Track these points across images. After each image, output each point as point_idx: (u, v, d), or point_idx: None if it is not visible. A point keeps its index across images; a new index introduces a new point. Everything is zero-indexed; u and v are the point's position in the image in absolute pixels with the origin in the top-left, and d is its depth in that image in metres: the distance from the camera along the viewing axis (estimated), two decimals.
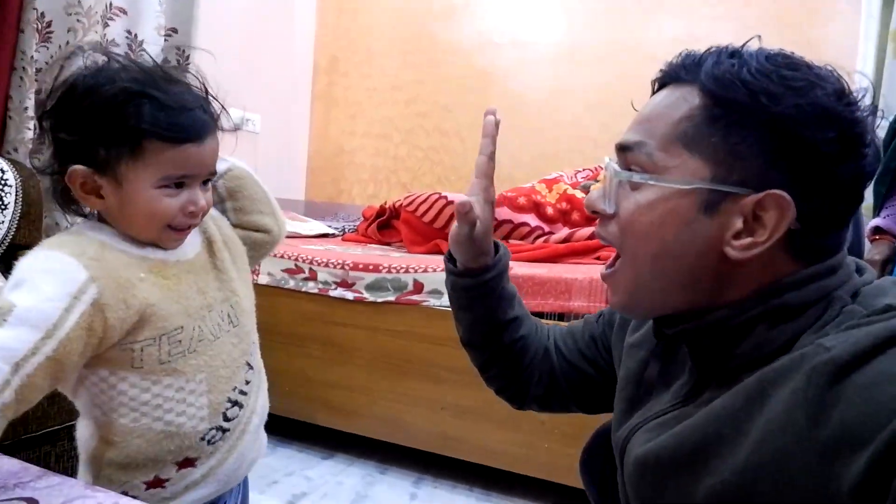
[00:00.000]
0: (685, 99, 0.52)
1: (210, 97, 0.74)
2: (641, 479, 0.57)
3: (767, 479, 0.44)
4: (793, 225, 0.48)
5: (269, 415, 0.86)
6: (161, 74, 0.69)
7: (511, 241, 2.02)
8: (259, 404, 0.82)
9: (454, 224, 0.71)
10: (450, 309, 1.31)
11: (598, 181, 2.21)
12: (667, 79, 0.56)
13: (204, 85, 0.74)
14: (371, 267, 1.74)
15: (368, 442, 1.79)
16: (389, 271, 1.71)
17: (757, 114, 0.48)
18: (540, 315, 1.55)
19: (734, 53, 0.51)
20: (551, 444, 1.53)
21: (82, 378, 0.69)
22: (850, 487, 0.38)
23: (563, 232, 1.98)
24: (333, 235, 2.63)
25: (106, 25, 1.83)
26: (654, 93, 0.57)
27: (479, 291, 0.74)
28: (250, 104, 2.79)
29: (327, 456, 1.84)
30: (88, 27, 1.80)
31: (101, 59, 0.70)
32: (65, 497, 0.59)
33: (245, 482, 0.89)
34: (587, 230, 1.91)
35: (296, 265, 1.84)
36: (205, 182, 0.73)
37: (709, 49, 0.53)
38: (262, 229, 0.90)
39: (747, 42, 0.53)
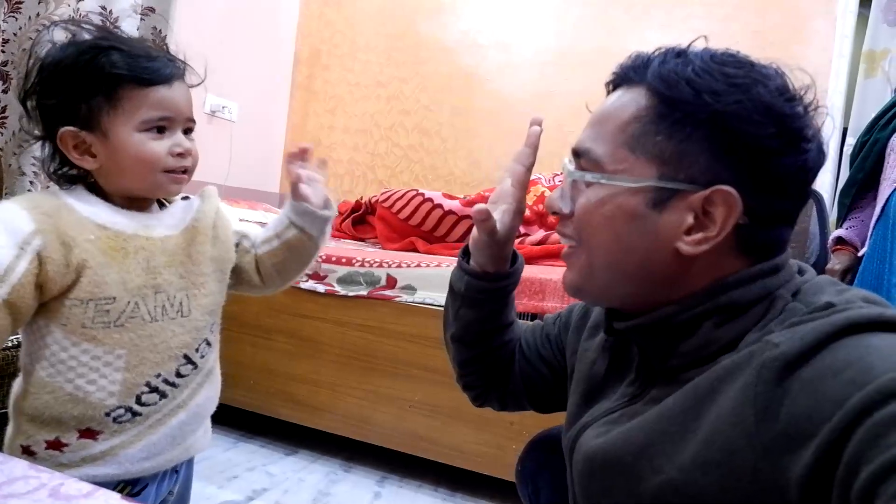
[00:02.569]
0: (634, 100, 0.53)
1: (171, 53, 0.78)
2: (590, 476, 0.57)
3: (714, 476, 0.44)
4: (741, 220, 0.49)
5: (233, 409, 0.85)
6: (123, 35, 0.75)
7: None
8: (194, 402, 0.80)
9: (474, 229, 0.70)
10: (422, 305, 1.28)
11: None
12: (618, 80, 0.57)
13: (164, 44, 0.80)
14: (344, 260, 1.70)
15: (334, 439, 1.75)
16: (363, 265, 1.68)
17: (701, 111, 0.49)
18: None
19: (680, 53, 0.53)
20: (519, 445, 1.49)
21: (28, 324, 0.72)
22: (798, 480, 0.39)
23: (539, 234, 1.98)
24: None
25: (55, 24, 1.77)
26: (608, 95, 0.58)
27: (491, 295, 0.73)
28: (228, 91, 2.73)
29: (290, 452, 1.80)
30: (42, 30, 1.74)
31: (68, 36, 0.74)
32: (6, 477, 0.56)
33: (186, 479, 0.87)
34: None
35: None
36: (186, 132, 0.76)
37: (657, 49, 0.55)
38: (263, 284, 0.90)
39: (693, 42, 0.54)
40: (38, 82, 0.71)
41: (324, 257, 1.73)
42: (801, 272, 0.54)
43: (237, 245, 0.86)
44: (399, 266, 1.65)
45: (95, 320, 0.71)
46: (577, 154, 0.57)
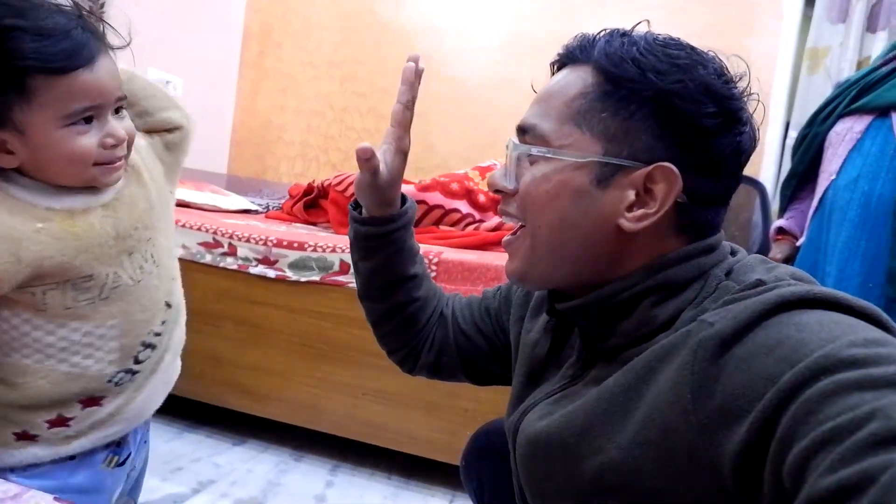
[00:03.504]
0: (580, 77, 0.54)
1: (83, 14, 0.66)
2: (532, 459, 0.57)
3: (652, 454, 0.45)
4: (679, 198, 0.51)
5: (177, 398, 0.87)
6: (20, 3, 0.60)
7: (442, 227, 1.99)
8: (174, 340, 0.82)
9: (358, 172, 0.70)
10: None
11: None
12: (564, 60, 0.58)
13: (74, 3, 0.66)
14: (296, 244, 1.66)
15: (284, 428, 1.71)
16: (315, 250, 1.64)
17: (645, 89, 0.51)
18: None
19: (625, 34, 0.54)
20: (473, 431, 1.51)
21: None
22: (731, 456, 0.40)
23: (494, 220, 1.97)
24: (256, 212, 2.51)
25: None
26: (553, 73, 0.59)
27: (381, 241, 0.73)
28: (172, 66, 2.60)
29: (238, 442, 1.75)
30: None
31: None
32: None
33: (147, 447, 0.89)
34: None
35: (214, 239, 1.73)
36: (117, 111, 0.67)
37: (602, 30, 0.56)
38: (172, 126, 0.86)
39: (636, 25, 0.56)
40: None
41: (275, 241, 1.67)
42: (733, 253, 0.56)
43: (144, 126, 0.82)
44: None
45: (79, 299, 0.68)
46: (523, 130, 0.57)
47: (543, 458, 0.56)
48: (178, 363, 0.87)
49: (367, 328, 1.74)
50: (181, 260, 1.72)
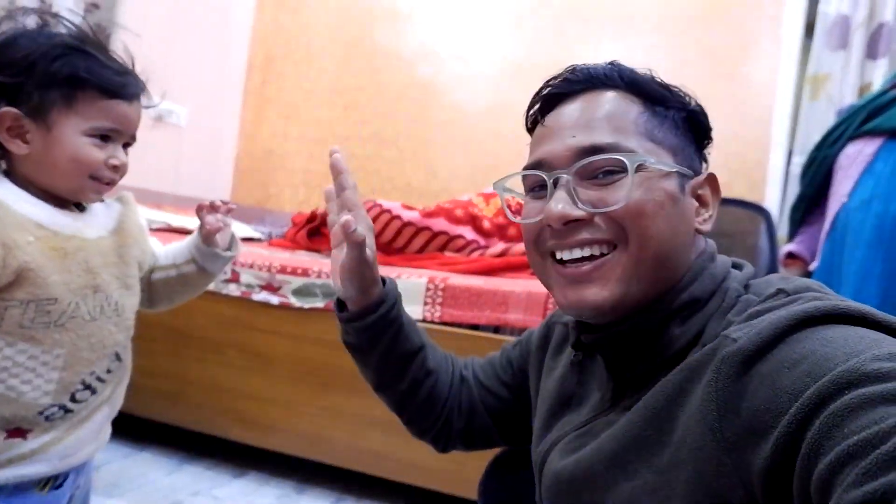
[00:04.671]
0: (626, 100, 0.56)
1: (136, 73, 0.79)
2: (558, 494, 0.57)
3: (684, 475, 0.45)
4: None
5: (177, 429, 0.86)
6: (95, 39, 0.75)
7: (446, 253, 1.97)
8: (115, 396, 0.83)
9: (341, 255, 0.66)
10: None
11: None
12: (579, 87, 0.58)
13: (132, 60, 0.79)
14: (300, 271, 1.64)
15: (286, 459, 1.66)
16: (319, 276, 1.62)
17: (681, 109, 0.58)
18: (475, 327, 1.50)
19: (625, 67, 0.59)
20: (478, 461, 1.46)
21: None
22: (760, 473, 0.40)
23: (499, 247, 1.96)
24: (259, 240, 2.50)
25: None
26: (552, 106, 0.59)
27: (382, 325, 0.69)
28: (176, 95, 2.62)
29: (239, 474, 1.70)
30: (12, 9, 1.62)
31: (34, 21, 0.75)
32: None
33: (89, 471, 0.86)
34: (522, 246, 1.89)
35: None
36: (125, 146, 0.78)
37: (607, 62, 0.59)
38: (150, 305, 0.92)
39: (613, 62, 0.59)
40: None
41: (278, 267, 1.65)
42: (736, 266, 0.58)
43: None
44: None
45: (35, 321, 0.71)
46: (593, 151, 0.54)
47: (568, 493, 0.55)
48: (110, 426, 0.86)
49: None
50: None
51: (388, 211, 2.02)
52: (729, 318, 0.49)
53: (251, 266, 1.68)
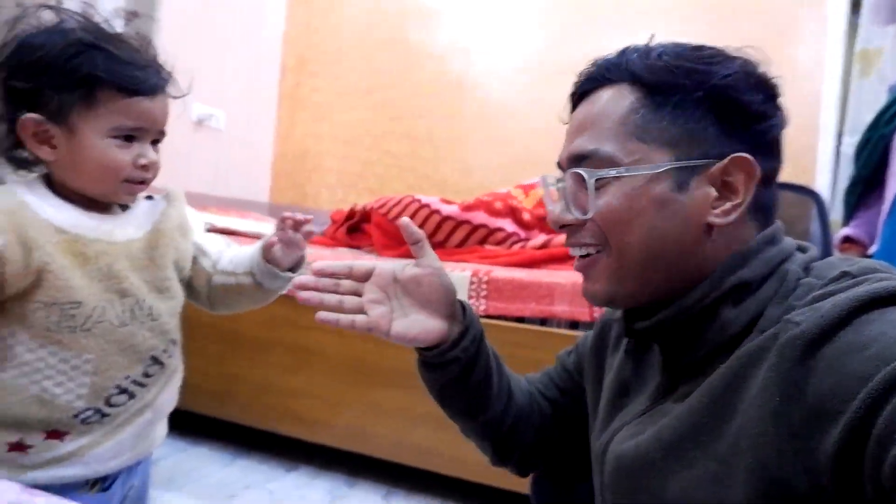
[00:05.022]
0: (622, 96, 0.54)
1: (159, 63, 0.75)
2: (618, 479, 0.56)
3: (744, 461, 0.43)
4: (757, 183, 0.52)
5: (229, 425, 0.83)
6: (112, 33, 0.71)
7: (487, 247, 1.97)
8: (159, 401, 0.80)
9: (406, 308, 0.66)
10: None
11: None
12: (589, 85, 0.58)
13: (153, 49, 0.75)
14: None
15: (335, 453, 1.69)
16: None
17: (696, 90, 0.52)
18: (520, 320, 1.50)
19: (648, 48, 0.56)
20: None
21: None
22: (828, 458, 0.39)
23: (540, 238, 1.94)
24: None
25: (59, 2, 1.71)
26: (574, 105, 0.60)
27: (476, 350, 0.67)
28: (214, 99, 2.67)
29: (291, 468, 1.73)
30: (28, 7, 1.68)
31: (52, 19, 0.71)
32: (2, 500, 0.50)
33: (145, 471, 0.86)
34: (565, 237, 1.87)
35: None
36: (154, 143, 0.75)
37: (622, 50, 0.57)
38: (210, 307, 0.89)
39: (650, 39, 0.57)
40: (14, 61, 0.68)
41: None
42: (801, 249, 0.55)
43: (194, 261, 0.86)
44: None
45: (61, 324, 0.69)
46: (579, 159, 0.55)
47: (629, 476, 0.54)
48: (162, 428, 0.84)
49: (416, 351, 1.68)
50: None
51: (427, 205, 2.03)
52: (790, 303, 0.47)
53: None
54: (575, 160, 0.56)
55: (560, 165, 0.59)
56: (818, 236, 1.96)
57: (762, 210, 0.54)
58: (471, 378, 0.68)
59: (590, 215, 0.54)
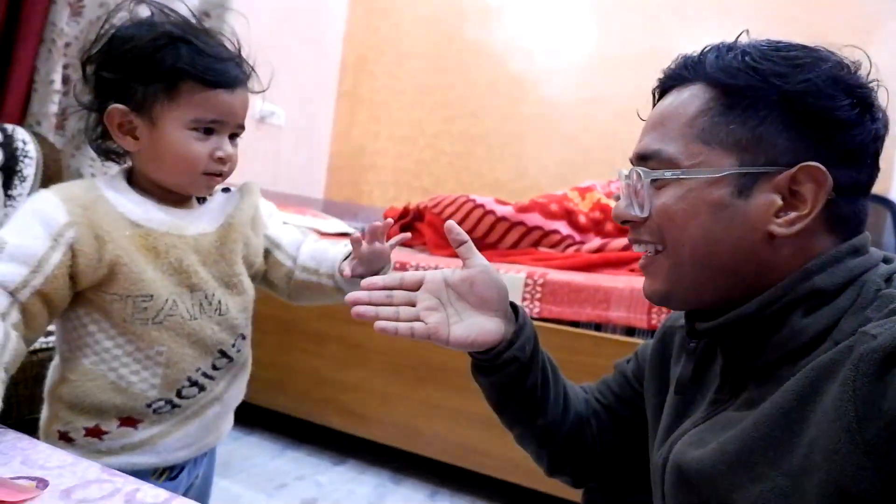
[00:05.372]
0: (695, 96, 0.53)
1: (242, 56, 0.76)
2: (679, 490, 0.54)
3: (817, 478, 0.42)
4: (829, 194, 0.49)
5: (280, 416, 0.84)
6: (199, 26, 0.73)
7: (541, 249, 1.94)
8: (228, 394, 0.81)
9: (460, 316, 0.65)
10: None
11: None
12: (669, 83, 0.57)
13: (238, 44, 0.76)
14: (397, 265, 1.66)
15: (383, 449, 1.70)
16: (416, 269, 1.63)
17: (770, 94, 0.50)
18: (576, 324, 1.47)
19: (731, 46, 0.54)
20: None
21: (64, 312, 0.72)
22: None
23: (596, 242, 1.91)
24: (352, 235, 2.56)
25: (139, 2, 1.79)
26: (655, 101, 0.59)
27: (534, 350, 0.66)
28: (275, 97, 2.74)
29: (339, 461, 1.76)
30: (116, 8, 1.76)
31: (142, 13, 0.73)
32: (79, 479, 0.52)
33: (210, 462, 0.88)
34: (621, 241, 1.83)
35: None
36: (232, 136, 0.75)
37: (705, 47, 0.55)
38: (290, 299, 0.90)
39: (739, 35, 0.55)
40: (105, 53, 0.70)
41: None
42: (886, 261, 0.52)
43: (268, 254, 0.86)
44: None
45: (135, 317, 0.71)
46: (644, 157, 0.56)
47: (692, 490, 0.52)
48: (229, 422, 0.85)
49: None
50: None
51: (482, 206, 2.02)
52: (867, 315, 0.45)
53: None
54: (640, 158, 0.56)
55: (632, 161, 0.58)
56: (892, 247, 1.85)
57: (843, 222, 0.51)
58: (527, 380, 0.66)
59: (645, 214, 0.55)
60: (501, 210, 2.00)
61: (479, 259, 0.66)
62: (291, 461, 1.72)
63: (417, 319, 0.64)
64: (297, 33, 2.88)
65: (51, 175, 1.45)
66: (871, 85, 0.51)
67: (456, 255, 2.04)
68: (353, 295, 0.64)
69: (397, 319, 0.63)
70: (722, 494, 0.48)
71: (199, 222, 0.76)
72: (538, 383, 0.67)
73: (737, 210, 0.51)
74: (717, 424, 0.53)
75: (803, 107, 0.49)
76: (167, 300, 0.72)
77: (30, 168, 1.44)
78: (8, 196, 1.39)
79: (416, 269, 1.64)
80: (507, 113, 2.85)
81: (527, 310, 1.51)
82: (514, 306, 0.68)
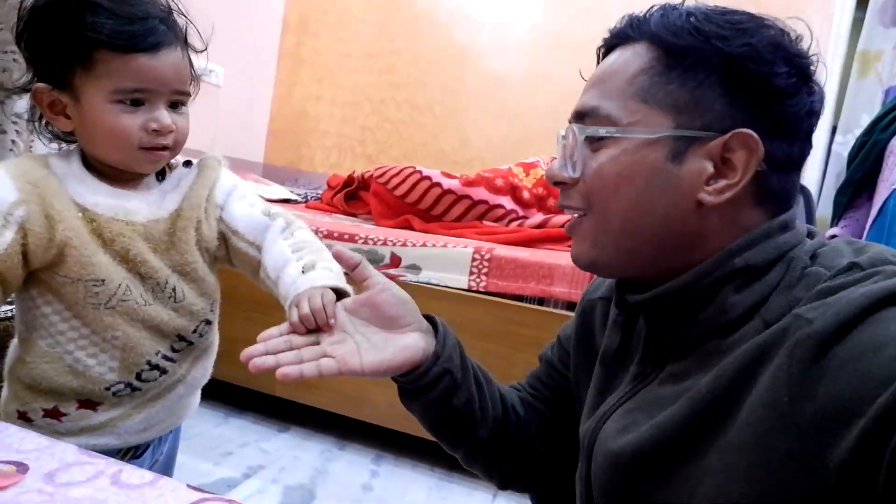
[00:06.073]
0: (637, 55, 0.52)
1: (175, 12, 0.69)
2: (614, 473, 0.54)
3: (747, 460, 0.42)
4: (760, 165, 0.49)
5: (221, 384, 0.81)
6: None
7: (485, 223, 2.00)
8: (192, 375, 0.79)
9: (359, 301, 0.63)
10: (427, 286, 1.17)
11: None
12: (614, 41, 0.56)
13: (168, 2, 0.69)
14: (346, 237, 1.67)
15: (327, 416, 1.73)
16: (366, 242, 1.65)
17: (711, 56, 0.49)
18: (520, 298, 1.54)
19: (676, 7, 0.53)
20: None
21: (19, 292, 0.69)
22: (839, 463, 0.37)
23: (538, 217, 1.98)
24: (295, 202, 2.53)
25: None
26: (599, 60, 0.57)
27: (460, 368, 0.63)
28: (214, 55, 2.61)
29: (283, 429, 1.78)
30: None
31: None
32: (59, 462, 0.53)
33: (175, 439, 0.87)
34: (563, 217, 1.91)
35: None
36: (175, 105, 0.69)
37: (651, 7, 0.54)
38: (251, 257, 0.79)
39: (657, 7, 0.54)
40: (23, 31, 0.65)
41: (325, 232, 1.69)
42: (810, 235, 0.53)
43: (225, 240, 0.78)
44: (403, 245, 1.63)
45: (87, 300, 0.68)
46: (582, 115, 0.54)
47: (625, 474, 0.52)
48: (194, 400, 0.84)
49: None
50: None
51: (429, 178, 2.04)
52: (796, 294, 0.46)
53: None
54: (578, 116, 0.55)
55: (570, 120, 0.56)
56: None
57: (772, 196, 0.51)
58: (461, 391, 0.63)
59: (578, 174, 0.53)
60: (448, 183, 2.03)
61: (377, 278, 0.63)
62: (235, 429, 1.73)
63: (325, 356, 0.59)
64: None
65: None
66: (811, 57, 0.51)
67: (402, 226, 2.06)
68: (246, 351, 0.59)
69: (301, 362, 0.59)
70: (658, 475, 0.49)
71: (152, 206, 0.71)
72: (473, 394, 0.64)
73: (670, 175, 0.50)
74: (644, 403, 0.53)
75: (742, 71, 0.48)
76: (119, 285, 0.68)
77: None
78: None
79: (366, 241, 1.66)
80: (453, 83, 2.85)
81: (473, 283, 1.57)
82: (429, 318, 0.64)
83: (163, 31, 0.66)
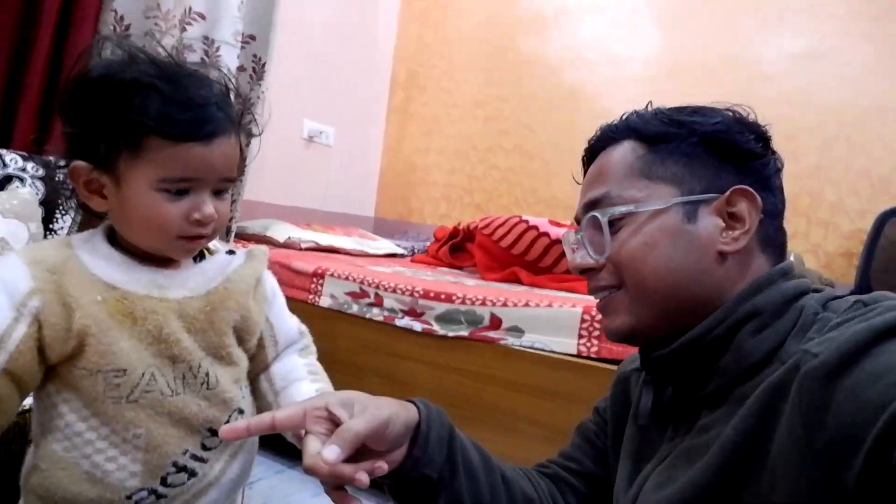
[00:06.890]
0: (626, 149, 0.59)
1: (232, 96, 0.67)
2: None
3: (779, 498, 0.43)
4: (760, 214, 0.54)
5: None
6: (175, 67, 0.63)
7: None
8: (227, 476, 0.71)
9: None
10: (531, 350, 1.13)
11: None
12: (599, 145, 0.62)
13: (227, 82, 0.67)
14: (443, 296, 1.56)
15: None
16: (464, 302, 1.53)
17: (690, 136, 0.57)
18: None
19: (642, 111, 0.60)
20: None
21: (36, 390, 0.65)
22: (852, 489, 0.38)
23: None
24: (402, 256, 2.49)
25: (183, 30, 1.78)
26: (586, 166, 0.64)
27: (451, 452, 0.63)
28: (325, 116, 2.71)
29: (387, 498, 1.66)
30: (166, 31, 1.75)
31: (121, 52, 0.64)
32: None
33: None
34: None
35: (361, 288, 1.69)
36: (219, 192, 0.65)
37: (622, 115, 0.62)
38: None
39: (646, 105, 0.61)
40: (68, 104, 0.62)
41: (421, 292, 1.59)
42: (816, 291, 0.55)
43: (261, 342, 0.76)
44: (504, 304, 1.48)
45: (106, 394, 0.62)
46: (593, 205, 0.58)
47: None
48: (235, 502, 0.76)
49: (517, 390, 1.54)
50: (330, 311, 1.72)
51: (535, 227, 1.90)
52: (809, 336, 0.48)
53: (394, 290, 1.63)
54: (589, 207, 0.59)
55: (577, 220, 0.61)
56: None
57: (772, 244, 0.57)
58: (444, 493, 0.61)
59: (607, 254, 0.57)
60: (556, 231, 1.87)
61: (357, 424, 0.54)
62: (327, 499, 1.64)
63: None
64: (348, 51, 2.85)
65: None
66: (764, 127, 0.59)
67: (509, 279, 1.91)
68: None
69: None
70: None
71: (184, 285, 0.67)
72: (461, 492, 0.62)
73: (689, 235, 0.54)
74: (678, 458, 0.53)
75: (720, 141, 0.56)
76: (143, 374, 0.63)
77: (72, 201, 1.43)
78: (50, 230, 1.38)
79: (464, 301, 1.54)
80: (564, 126, 2.71)
81: (583, 348, 1.38)
82: (413, 402, 0.63)
83: (219, 119, 0.63)
